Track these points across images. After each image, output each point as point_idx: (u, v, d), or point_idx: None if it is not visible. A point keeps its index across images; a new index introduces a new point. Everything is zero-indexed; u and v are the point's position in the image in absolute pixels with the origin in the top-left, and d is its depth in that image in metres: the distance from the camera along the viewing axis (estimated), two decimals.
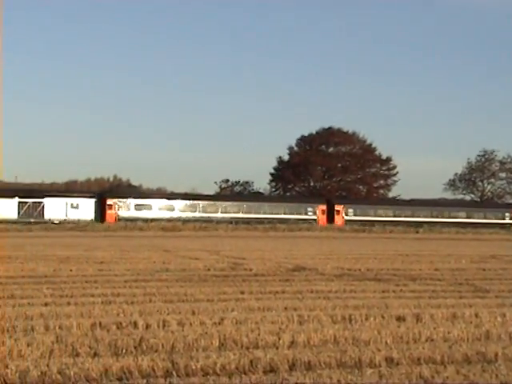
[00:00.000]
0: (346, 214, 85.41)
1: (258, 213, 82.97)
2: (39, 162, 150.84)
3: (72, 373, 8.83)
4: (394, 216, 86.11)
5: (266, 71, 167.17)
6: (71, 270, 22.83)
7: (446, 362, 9.88)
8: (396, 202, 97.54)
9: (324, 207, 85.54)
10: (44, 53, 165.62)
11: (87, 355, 9.95)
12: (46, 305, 14.77)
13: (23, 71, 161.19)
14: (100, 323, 12.23)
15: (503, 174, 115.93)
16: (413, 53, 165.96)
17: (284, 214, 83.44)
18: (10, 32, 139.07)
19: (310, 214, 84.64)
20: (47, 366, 9.09)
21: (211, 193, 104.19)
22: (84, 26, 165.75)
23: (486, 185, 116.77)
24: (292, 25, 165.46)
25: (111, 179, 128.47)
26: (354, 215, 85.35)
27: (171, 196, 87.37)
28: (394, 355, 10.03)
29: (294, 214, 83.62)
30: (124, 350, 10.28)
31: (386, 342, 11.11)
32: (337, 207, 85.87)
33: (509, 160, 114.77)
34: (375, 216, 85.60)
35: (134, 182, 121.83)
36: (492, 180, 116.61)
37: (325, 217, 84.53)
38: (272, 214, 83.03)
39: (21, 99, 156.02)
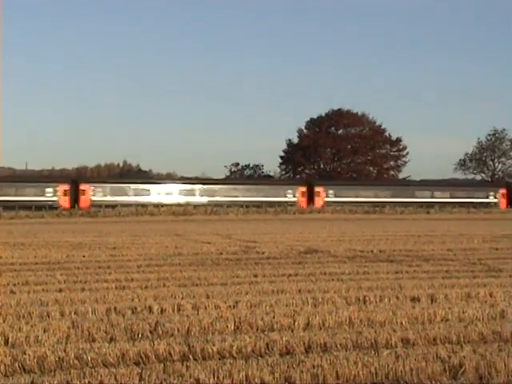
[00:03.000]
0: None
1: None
2: (50, 148, 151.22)
3: (89, 358, 8.86)
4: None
5: (275, 54, 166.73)
6: (84, 256, 22.90)
7: (462, 342, 9.87)
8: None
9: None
10: (45, 44, 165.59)
11: (103, 340, 9.98)
12: (60, 291, 14.82)
13: (29, 62, 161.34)
14: (115, 308, 12.26)
15: None
16: (422, 31, 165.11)
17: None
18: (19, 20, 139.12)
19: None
20: (64, 351, 9.12)
21: (221, 176, 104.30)
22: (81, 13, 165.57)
23: (496, 164, 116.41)
24: (302, 5, 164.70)
25: (121, 165, 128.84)
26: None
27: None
28: (410, 336, 10.03)
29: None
30: (140, 335, 10.30)
31: (402, 323, 11.11)
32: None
33: None
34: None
35: (144, 168, 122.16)
36: (503, 159, 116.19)
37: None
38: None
39: (32, 86, 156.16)
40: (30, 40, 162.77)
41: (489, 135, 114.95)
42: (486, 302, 13.12)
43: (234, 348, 9.37)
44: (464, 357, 8.81)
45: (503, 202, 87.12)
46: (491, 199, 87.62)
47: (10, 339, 9.89)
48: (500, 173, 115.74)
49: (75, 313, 11.97)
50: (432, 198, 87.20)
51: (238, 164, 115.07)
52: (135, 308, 12.32)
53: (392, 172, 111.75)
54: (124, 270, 18.62)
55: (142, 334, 10.35)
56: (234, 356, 9.16)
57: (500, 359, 8.72)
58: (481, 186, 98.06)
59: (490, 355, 8.95)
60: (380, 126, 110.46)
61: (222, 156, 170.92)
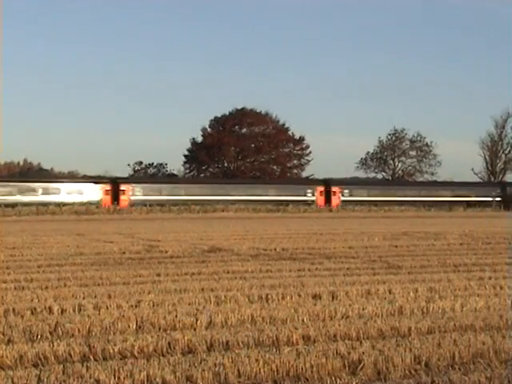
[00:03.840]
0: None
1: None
2: None
3: None
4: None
5: (179, 52, 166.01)
6: None
7: (362, 338, 10.04)
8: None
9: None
10: None
11: (1, 342, 9.75)
12: None
13: None
14: (13, 309, 12.00)
15: (413, 153, 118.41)
16: (323, 27, 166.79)
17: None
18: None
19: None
20: None
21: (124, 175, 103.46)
22: None
23: (397, 163, 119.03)
24: (205, 3, 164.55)
25: (21, 163, 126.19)
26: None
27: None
28: (311, 333, 10.14)
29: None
30: (39, 336, 10.12)
31: (303, 320, 11.24)
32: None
33: (418, 138, 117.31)
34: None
35: (46, 166, 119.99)
36: (403, 158, 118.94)
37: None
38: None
39: None
40: None
41: (389, 134, 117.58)
42: (385, 298, 13.38)
43: (136, 348, 9.30)
44: (363, 352, 8.97)
45: (321, 200, 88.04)
46: (309, 197, 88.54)
47: None
48: (400, 172, 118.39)
49: None
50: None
51: (141, 162, 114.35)
52: (35, 309, 12.09)
53: (295, 171, 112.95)
54: (24, 270, 18.25)
55: (42, 335, 10.16)
56: (136, 356, 9.09)
57: (397, 354, 8.91)
58: (299, 183, 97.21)
59: (388, 350, 9.13)
60: (283, 124, 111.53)
61: (123, 155, 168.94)
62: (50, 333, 10.29)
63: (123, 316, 11.30)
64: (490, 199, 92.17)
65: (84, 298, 13.36)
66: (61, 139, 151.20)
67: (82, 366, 8.49)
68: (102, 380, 7.92)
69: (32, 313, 11.85)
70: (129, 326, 10.71)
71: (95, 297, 13.57)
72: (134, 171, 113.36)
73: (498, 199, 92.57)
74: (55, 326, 10.59)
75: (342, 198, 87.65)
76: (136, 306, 12.44)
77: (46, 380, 7.91)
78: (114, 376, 8.02)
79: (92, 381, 7.91)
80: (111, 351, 9.17)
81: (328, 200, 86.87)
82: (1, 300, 13.20)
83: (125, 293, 14.02)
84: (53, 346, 9.31)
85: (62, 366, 8.52)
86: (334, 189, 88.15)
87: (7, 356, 8.81)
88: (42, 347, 9.24)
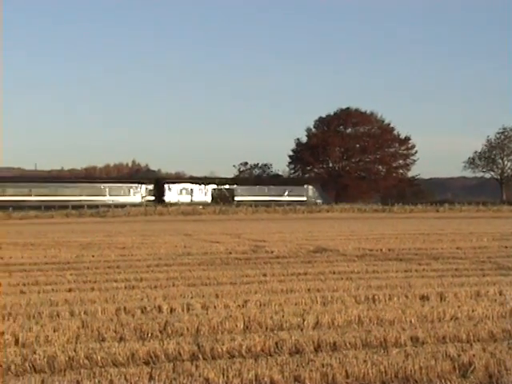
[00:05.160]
0: None
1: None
2: (59, 149, 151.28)
3: (99, 357, 8.87)
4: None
5: (285, 54, 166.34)
6: (93, 256, 22.95)
7: (472, 340, 9.85)
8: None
9: None
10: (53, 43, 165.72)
11: (113, 340, 10.00)
12: (70, 291, 14.86)
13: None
14: (125, 308, 12.28)
15: None
16: (429, 29, 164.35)
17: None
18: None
19: None
20: (74, 350, 9.13)
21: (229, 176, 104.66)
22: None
23: (506, 162, 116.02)
24: (308, 4, 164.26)
25: (130, 165, 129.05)
26: None
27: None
28: (419, 334, 10.01)
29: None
30: (149, 334, 10.31)
31: (411, 322, 11.10)
32: None
33: None
34: None
35: (153, 167, 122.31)
36: None
37: None
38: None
39: (36, 87, 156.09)
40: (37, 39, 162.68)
41: (498, 133, 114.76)
42: (495, 300, 13.07)
43: (244, 347, 9.37)
44: (474, 355, 8.79)
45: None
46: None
47: (21, 339, 9.92)
48: (509, 171, 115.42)
49: (85, 312, 11.99)
50: None
51: (246, 163, 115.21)
52: (145, 307, 12.34)
53: (401, 171, 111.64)
54: (133, 270, 18.65)
55: (152, 334, 10.36)
56: (244, 355, 9.16)
57: (510, 357, 8.70)
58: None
59: (499, 353, 8.93)
60: (389, 124, 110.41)
61: (230, 155, 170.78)
62: (160, 331, 10.47)
63: (231, 316, 11.40)
64: None
65: (192, 298, 13.55)
66: (167, 141, 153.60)
67: (192, 364, 8.61)
68: (211, 379, 8.01)
69: (142, 311, 12.09)
70: (236, 326, 10.80)
71: (203, 296, 13.75)
72: (240, 172, 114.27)
73: None
74: (165, 324, 10.77)
75: None
76: (243, 306, 12.54)
77: (157, 378, 8.05)
78: (223, 375, 8.10)
79: (201, 379, 8.01)
80: (219, 350, 9.27)
81: None
82: (112, 299, 13.53)
83: (232, 293, 14.15)
84: (163, 344, 9.47)
85: (172, 364, 8.67)
86: None
87: (119, 353, 9.02)
88: (152, 345, 9.42)
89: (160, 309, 12.29)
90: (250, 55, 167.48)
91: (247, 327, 10.81)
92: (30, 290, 15.02)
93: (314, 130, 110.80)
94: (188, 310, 12.27)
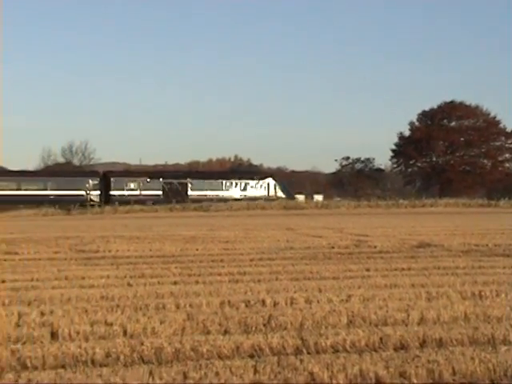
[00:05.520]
0: None
1: None
2: (162, 144, 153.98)
3: (204, 350, 8.98)
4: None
5: (385, 47, 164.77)
6: (197, 250, 23.25)
7: None
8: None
9: None
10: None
11: (218, 333, 10.11)
12: (175, 283, 15.09)
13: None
14: (229, 301, 12.39)
15: None
16: None
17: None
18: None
19: None
20: (180, 342, 9.27)
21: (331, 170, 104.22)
22: None
23: None
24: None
25: (232, 159, 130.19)
26: None
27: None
28: None
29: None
30: (254, 328, 10.38)
31: None
32: None
33: None
34: None
35: (255, 162, 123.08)
36: None
37: None
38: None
39: (146, 85, 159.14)
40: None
41: None
42: None
43: (348, 342, 9.33)
44: None
45: None
46: None
47: (129, 330, 10.13)
48: None
49: (190, 305, 12.16)
50: None
51: (348, 158, 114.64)
52: (248, 301, 12.42)
53: (507, 165, 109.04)
54: (237, 264, 18.81)
55: (256, 327, 10.42)
56: (348, 350, 9.12)
57: None
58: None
59: None
60: (494, 117, 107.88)
61: (331, 150, 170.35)
62: (264, 325, 10.53)
63: (334, 310, 11.37)
64: None
65: (295, 292, 13.56)
66: (269, 135, 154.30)
67: (296, 358, 8.62)
68: (316, 373, 8.00)
69: (246, 305, 12.18)
70: (340, 320, 10.76)
71: (306, 290, 13.75)
72: (341, 166, 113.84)
73: None
74: (268, 318, 10.82)
75: None
76: (346, 301, 12.49)
77: (261, 371, 8.09)
78: (328, 369, 8.08)
79: (306, 373, 8.01)
80: (323, 345, 9.25)
81: None
82: (217, 292, 13.68)
83: (335, 287, 14.12)
84: (267, 337, 9.52)
85: (276, 357, 8.70)
86: None
87: (224, 346, 9.11)
88: (256, 339, 9.48)
89: (264, 302, 12.35)
90: (355, 50, 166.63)
91: (351, 322, 10.76)
92: (137, 282, 15.32)
93: (417, 123, 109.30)
94: (291, 303, 12.29)
